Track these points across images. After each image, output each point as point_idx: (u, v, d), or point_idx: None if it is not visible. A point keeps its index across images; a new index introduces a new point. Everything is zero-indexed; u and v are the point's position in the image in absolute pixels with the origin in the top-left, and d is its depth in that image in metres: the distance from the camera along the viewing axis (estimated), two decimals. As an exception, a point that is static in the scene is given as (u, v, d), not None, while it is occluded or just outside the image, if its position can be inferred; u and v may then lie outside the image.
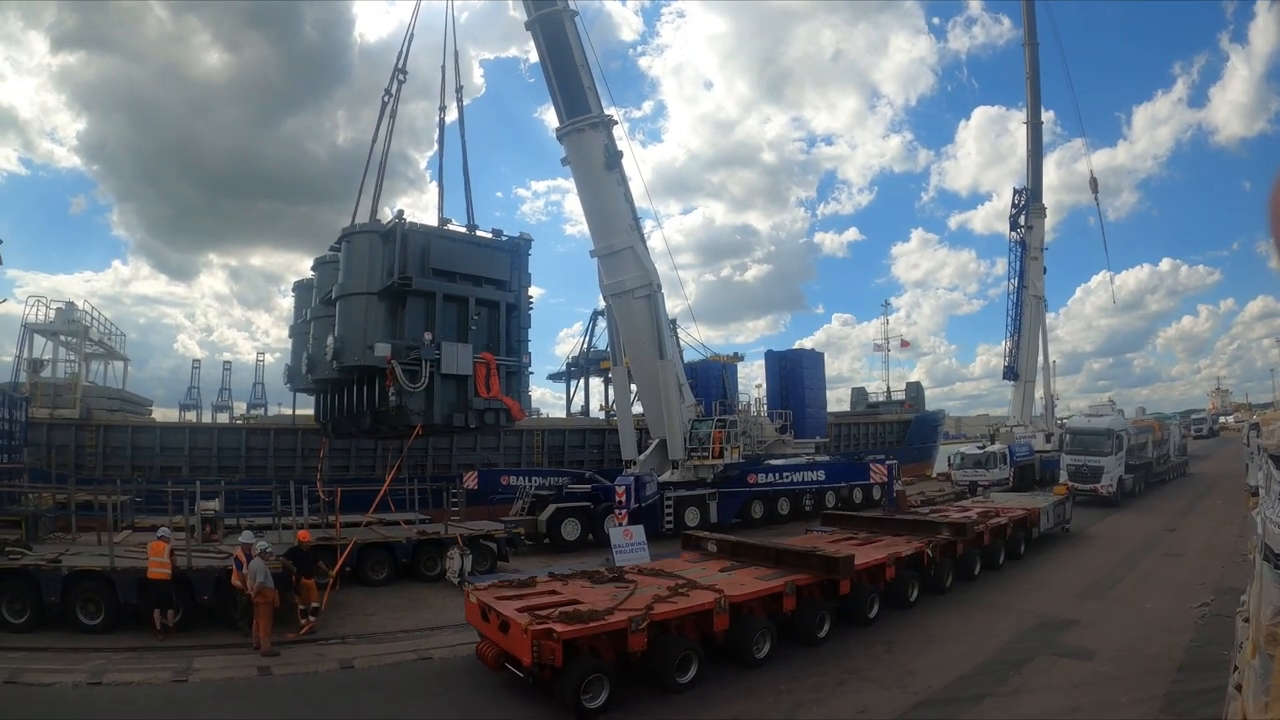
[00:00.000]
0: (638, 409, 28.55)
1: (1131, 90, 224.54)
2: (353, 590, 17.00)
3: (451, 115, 25.45)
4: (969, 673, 11.30)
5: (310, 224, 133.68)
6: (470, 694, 10.86)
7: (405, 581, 18.19)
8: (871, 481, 31.48)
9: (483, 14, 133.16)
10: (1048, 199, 51.34)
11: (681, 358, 31.42)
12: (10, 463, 20.67)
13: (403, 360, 20.84)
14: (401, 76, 25.07)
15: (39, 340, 31.26)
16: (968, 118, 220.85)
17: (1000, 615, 14.75)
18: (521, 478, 27.68)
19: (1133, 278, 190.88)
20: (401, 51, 25.22)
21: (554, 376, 49.37)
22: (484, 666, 11.23)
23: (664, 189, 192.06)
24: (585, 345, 45.93)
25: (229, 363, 59.19)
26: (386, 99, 24.97)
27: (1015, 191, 48.31)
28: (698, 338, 53.28)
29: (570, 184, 25.93)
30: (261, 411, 42.79)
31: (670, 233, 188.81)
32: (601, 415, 41.73)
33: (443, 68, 25.26)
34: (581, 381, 47.16)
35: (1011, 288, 47.37)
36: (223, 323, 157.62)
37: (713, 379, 36.50)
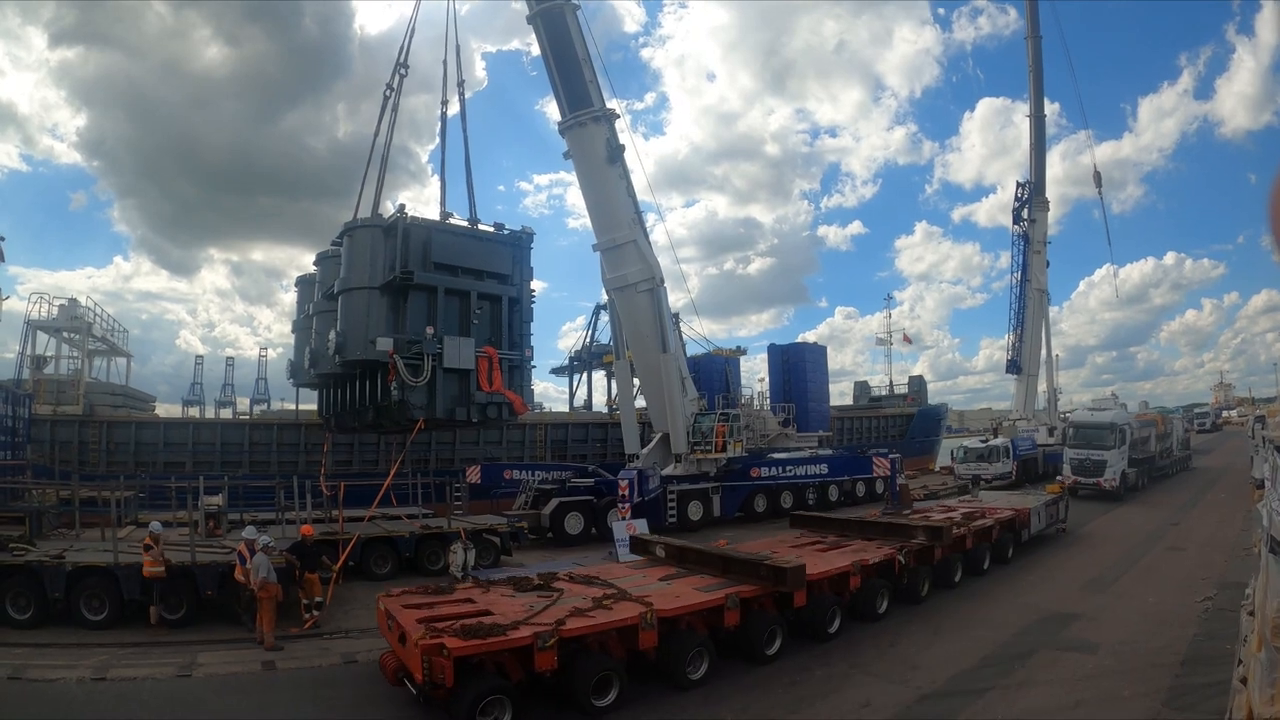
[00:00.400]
0: (641, 403, 28.54)
1: (1137, 82, 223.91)
2: (356, 585, 17.01)
3: (453, 109, 25.37)
4: (973, 667, 11.32)
5: (311, 218, 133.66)
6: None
7: (408, 576, 18.16)
8: (874, 475, 31.51)
9: (484, 7, 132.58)
10: (1052, 192, 51.17)
11: (684, 351, 31.40)
12: (14, 459, 20.75)
13: (405, 355, 20.83)
14: (403, 71, 25.01)
15: (42, 337, 31.31)
16: (972, 110, 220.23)
17: (1000, 610, 14.76)
18: (524, 472, 27.72)
19: (1137, 271, 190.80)
20: (403, 46, 25.17)
21: (557, 370, 49.56)
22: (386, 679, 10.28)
23: (666, 182, 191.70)
24: (588, 339, 46.02)
25: (232, 358, 59.10)
26: (388, 93, 24.91)
27: (1018, 185, 48.16)
28: (700, 331, 53.40)
29: (573, 177, 25.92)
30: (265, 407, 42.74)
31: (673, 226, 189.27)
32: (605, 409, 41.74)
33: (444, 62, 25.20)
34: (584, 375, 47.23)
35: (1014, 281, 47.21)
36: (225, 318, 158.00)
37: (715, 373, 36.53)
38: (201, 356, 59.52)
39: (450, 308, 22.28)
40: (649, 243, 26.12)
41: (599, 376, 46.23)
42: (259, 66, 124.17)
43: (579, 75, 24.38)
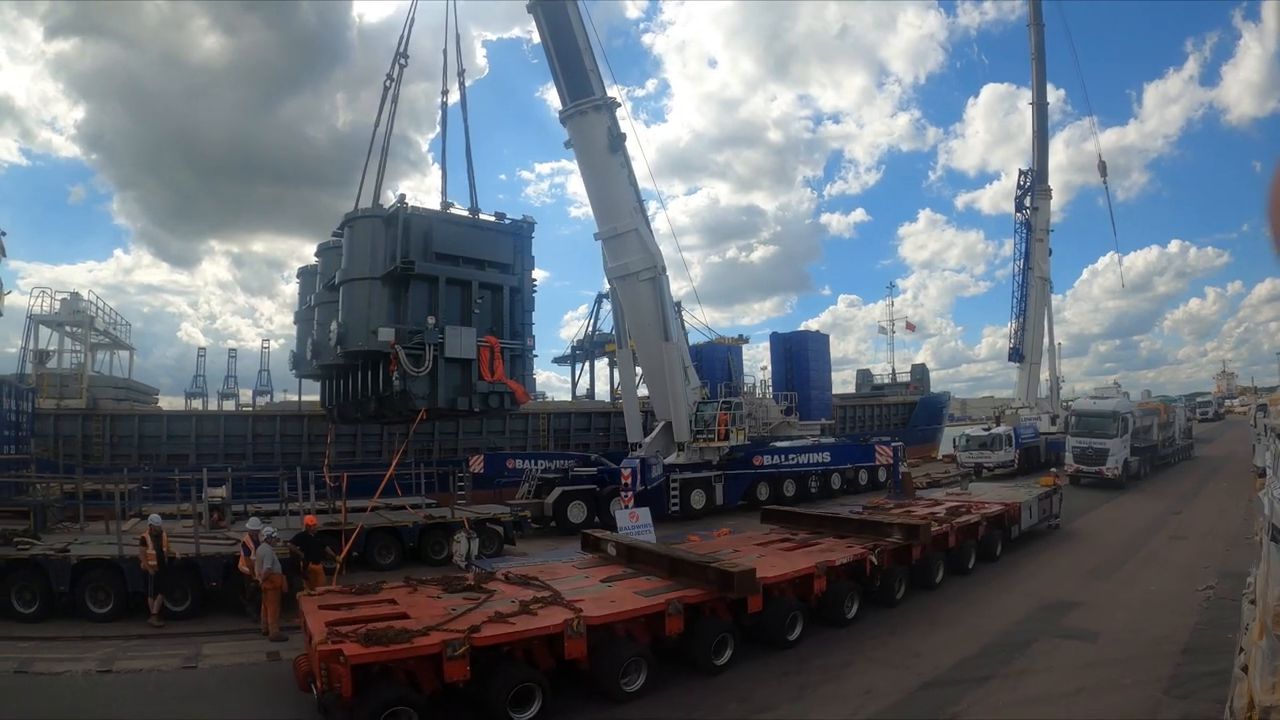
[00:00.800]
0: (643, 391, 28.56)
1: (1143, 67, 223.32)
2: (360, 575, 16.99)
3: (453, 98, 25.22)
4: (974, 654, 11.36)
5: (311, 209, 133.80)
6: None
7: (412, 565, 18.25)
8: (877, 463, 31.54)
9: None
10: (1056, 179, 51.16)
11: (686, 340, 31.36)
12: (18, 453, 20.80)
13: (406, 345, 20.81)
14: (403, 61, 24.86)
15: (44, 331, 31.32)
16: (976, 95, 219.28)
17: (1001, 598, 14.78)
18: (527, 461, 27.80)
19: (1141, 259, 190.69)
20: (402, 36, 25.00)
21: (559, 359, 49.50)
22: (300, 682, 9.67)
23: (668, 169, 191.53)
24: (590, 328, 45.95)
25: (234, 350, 59.20)
26: (388, 83, 24.78)
27: (1021, 173, 47.95)
28: (703, 320, 53.21)
29: (574, 166, 25.90)
30: (268, 398, 42.81)
31: (675, 214, 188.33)
32: (607, 398, 41.76)
33: (444, 51, 25.05)
34: (587, 364, 47.20)
35: (1017, 269, 47.08)
36: (226, 310, 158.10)
37: (718, 361, 36.52)
38: (204, 349, 59.78)
39: (452, 297, 22.24)
40: (651, 231, 26.07)
41: (601, 365, 46.23)
42: (258, 56, 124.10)
43: (579, 64, 24.26)
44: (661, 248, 26.00)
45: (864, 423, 46.12)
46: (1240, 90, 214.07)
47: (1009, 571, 16.97)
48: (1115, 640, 11.69)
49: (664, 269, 25.78)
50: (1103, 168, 53.78)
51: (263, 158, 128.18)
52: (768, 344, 44.50)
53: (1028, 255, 46.60)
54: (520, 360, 23.83)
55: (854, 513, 18.29)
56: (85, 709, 9.82)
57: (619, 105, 24.97)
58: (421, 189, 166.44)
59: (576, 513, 24.03)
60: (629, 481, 22.64)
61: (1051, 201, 49.02)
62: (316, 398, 28.76)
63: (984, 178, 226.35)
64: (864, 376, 59.30)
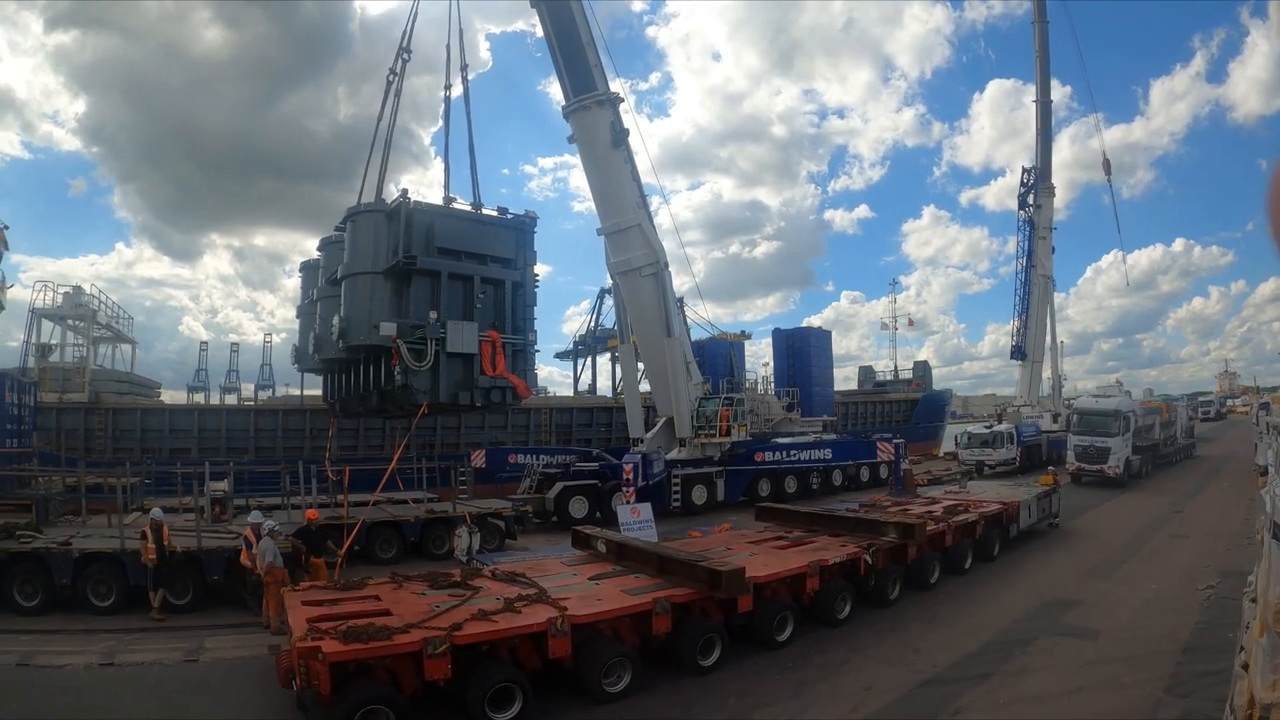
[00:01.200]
0: (645, 387, 28.57)
1: (1149, 63, 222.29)
2: (361, 569, 17.02)
3: (456, 91, 25.25)
4: (975, 652, 11.36)
5: (312, 203, 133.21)
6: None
7: (414, 560, 18.25)
8: (878, 460, 31.54)
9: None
10: (1061, 176, 51.22)
11: (689, 335, 31.37)
12: (20, 447, 20.83)
13: (408, 339, 20.84)
14: (406, 56, 24.88)
15: (47, 325, 31.38)
16: (982, 91, 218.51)
17: (1001, 596, 14.78)
18: (529, 456, 27.78)
19: (1145, 257, 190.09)
20: (406, 31, 25.00)
21: (561, 355, 49.59)
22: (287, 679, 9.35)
23: (671, 164, 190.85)
24: (593, 323, 46.03)
25: (236, 344, 59.23)
26: (391, 78, 24.79)
27: (1024, 170, 47.92)
28: (705, 315, 53.30)
29: (577, 160, 25.78)
30: (270, 393, 42.89)
31: (678, 209, 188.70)
32: (609, 393, 41.78)
33: (448, 46, 25.04)
34: (589, 359, 47.26)
35: (1020, 267, 47.04)
36: (228, 304, 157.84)
37: (720, 357, 36.53)
38: (206, 343, 59.95)
39: (454, 292, 22.27)
40: (653, 226, 26.04)
41: (603, 360, 46.26)
42: (259, 49, 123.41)
43: (583, 59, 24.22)
44: (664, 243, 26.02)
45: (866, 419, 46.14)
46: (1247, 87, 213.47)
47: (1008, 570, 16.95)
48: (1116, 639, 11.67)
49: (666, 264, 25.77)
50: (1107, 166, 53.78)
51: (264, 151, 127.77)
52: (770, 340, 44.54)
53: (1030, 253, 46.53)
54: (522, 355, 23.87)
55: (850, 511, 18.22)
56: (87, 702, 9.83)
57: (622, 100, 24.97)
58: (424, 182, 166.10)
59: (578, 508, 24.04)
60: (630, 477, 22.64)
61: (1055, 199, 49.04)
62: (318, 392, 28.81)
63: (988, 174, 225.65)
64: (866, 373, 59.30)
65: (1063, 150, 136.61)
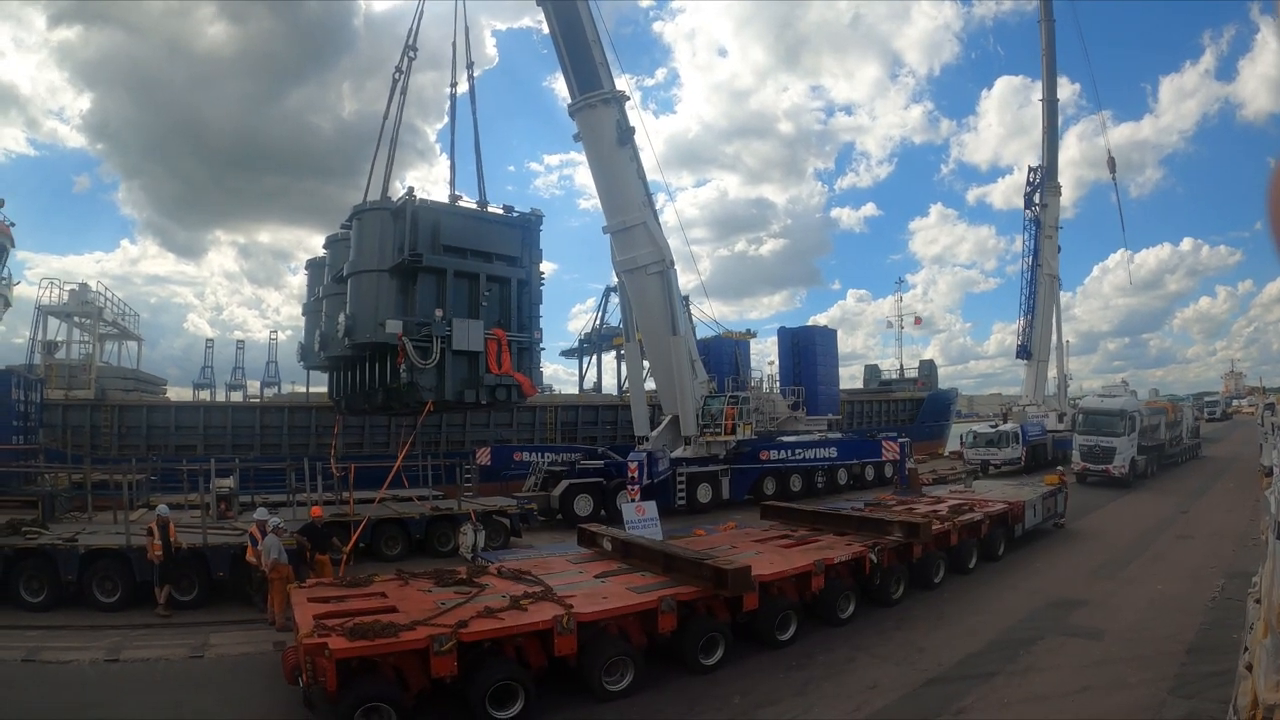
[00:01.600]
0: (651, 385, 28.58)
1: (1158, 60, 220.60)
2: (366, 566, 17.07)
3: (462, 88, 25.30)
4: (979, 651, 11.34)
5: (317, 199, 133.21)
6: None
7: (419, 557, 18.27)
8: (883, 459, 31.49)
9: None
10: (1069, 174, 51.16)
11: (694, 334, 31.37)
12: (26, 443, 20.92)
13: (414, 337, 20.90)
14: (412, 54, 24.90)
15: (53, 322, 31.47)
16: (990, 88, 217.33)
17: (1006, 595, 14.75)
18: (534, 454, 27.85)
19: (1153, 256, 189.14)
20: (411, 29, 25.03)
21: (567, 352, 49.62)
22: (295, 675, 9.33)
23: (677, 161, 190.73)
24: (598, 321, 46.07)
25: (242, 342, 59.24)
26: (397, 76, 24.84)
27: (1031, 169, 47.80)
28: (711, 314, 53.24)
29: (583, 158, 25.72)
30: (275, 390, 42.97)
31: (683, 206, 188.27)
32: (615, 391, 41.79)
33: (454, 43, 25.07)
34: (594, 357, 47.30)
35: (1026, 266, 46.91)
36: (233, 301, 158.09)
37: (725, 355, 36.54)
38: (211, 340, 59.78)
39: (459, 290, 22.32)
40: (659, 225, 26.04)
41: (609, 358, 46.31)
42: (263, 45, 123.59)
43: (588, 57, 24.21)
44: (670, 241, 26.03)
45: (871, 418, 46.08)
46: (1257, 85, 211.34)
47: (1014, 570, 16.91)
48: (1121, 639, 11.66)
49: (672, 262, 25.78)
50: (1112, 164, 53.63)
51: (268, 147, 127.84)
52: (775, 338, 44.48)
53: (1037, 252, 46.42)
54: (528, 353, 23.92)
55: (855, 509, 18.16)
56: (92, 698, 9.87)
57: (628, 99, 24.97)
58: (429, 179, 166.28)
59: (583, 505, 24.06)
60: (636, 475, 22.67)
61: (1062, 197, 49.08)
62: (324, 389, 28.90)
63: (996, 172, 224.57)
64: (872, 372, 59.12)
65: (1070, 148, 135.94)
